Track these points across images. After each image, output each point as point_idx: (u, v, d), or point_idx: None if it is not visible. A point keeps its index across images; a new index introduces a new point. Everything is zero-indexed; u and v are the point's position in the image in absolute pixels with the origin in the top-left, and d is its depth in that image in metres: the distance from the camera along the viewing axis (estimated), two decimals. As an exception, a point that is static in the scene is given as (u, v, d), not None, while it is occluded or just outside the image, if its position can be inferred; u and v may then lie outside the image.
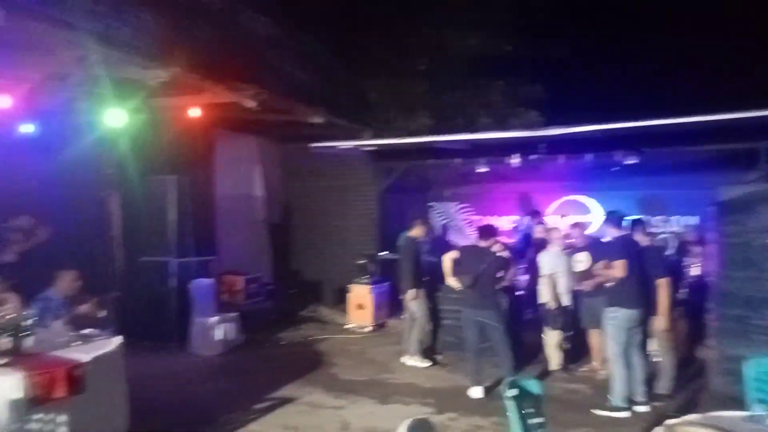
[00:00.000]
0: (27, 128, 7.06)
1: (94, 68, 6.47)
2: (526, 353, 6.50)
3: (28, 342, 3.82)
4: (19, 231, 6.67)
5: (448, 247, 7.07)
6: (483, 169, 8.47)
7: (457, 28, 10.26)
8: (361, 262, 8.64)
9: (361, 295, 8.42)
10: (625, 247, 5.08)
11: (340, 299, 9.15)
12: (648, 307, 5.04)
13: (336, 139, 8.88)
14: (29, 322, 3.93)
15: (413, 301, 6.62)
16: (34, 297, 4.93)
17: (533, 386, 3.01)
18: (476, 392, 5.48)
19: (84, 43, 5.61)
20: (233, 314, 7.33)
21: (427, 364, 6.53)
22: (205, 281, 7.36)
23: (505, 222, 9.53)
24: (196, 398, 5.46)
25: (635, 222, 5.68)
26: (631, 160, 7.44)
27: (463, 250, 5.95)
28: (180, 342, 7.03)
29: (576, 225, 6.56)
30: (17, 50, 5.96)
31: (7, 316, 4.02)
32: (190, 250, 7.40)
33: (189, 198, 7.52)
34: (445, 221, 10.19)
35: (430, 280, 6.86)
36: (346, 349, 7.33)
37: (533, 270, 6.71)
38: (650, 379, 5.21)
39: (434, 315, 6.96)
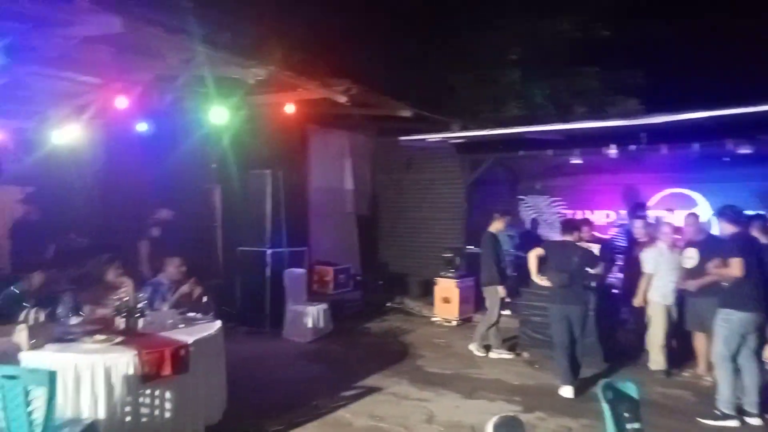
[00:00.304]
0: (141, 127, 7.72)
1: (199, 69, 6.92)
2: (624, 354, 6.17)
3: (140, 323, 4.18)
4: (160, 223, 7.35)
5: (537, 242, 6.86)
6: (577, 161, 8.09)
7: (551, 14, 9.86)
8: (448, 255, 8.59)
9: (447, 289, 8.38)
10: (743, 245, 4.68)
11: (426, 292, 9.17)
12: (767, 311, 4.62)
13: (424, 132, 8.86)
14: (141, 304, 4.29)
15: (490, 295, 6.59)
16: (145, 282, 5.40)
17: (630, 389, 2.85)
18: (566, 392, 5.29)
19: (191, 46, 6.02)
20: (323, 303, 7.56)
21: (509, 355, 6.51)
22: (298, 271, 7.65)
23: (600, 216, 9.06)
24: (287, 381, 5.68)
25: (754, 217, 5.24)
26: (744, 150, 6.81)
27: (551, 245, 5.77)
28: (274, 328, 7.37)
29: (690, 217, 6.13)
30: (132, 54, 6.50)
31: (123, 299, 4.43)
32: (283, 241, 7.74)
33: (283, 191, 7.86)
34: (535, 215, 9.87)
35: (516, 275, 6.71)
36: (431, 342, 7.34)
37: (633, 267, 6.36)
38: (765, 390, 4.77)
39: (519, 311, 6.80)
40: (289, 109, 7.22)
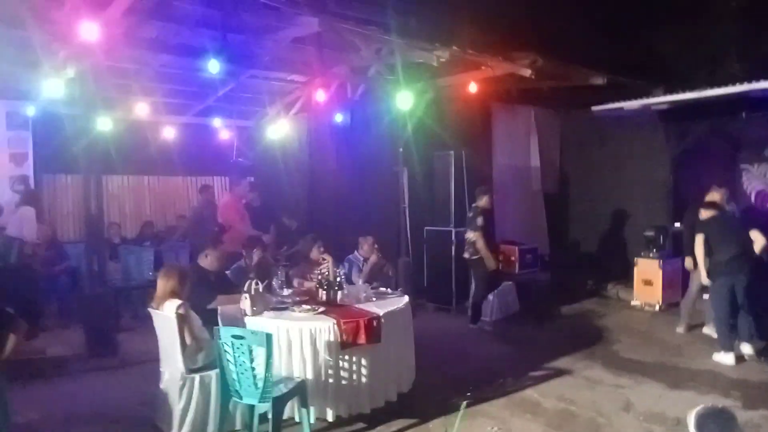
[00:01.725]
0: (338, 118, 8.41)
1: (388, 57, 7.27)
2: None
3: (339, 295, 4.59)
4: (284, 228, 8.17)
5: (763, 217, 5.90)
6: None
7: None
8: (649, 234, 7.81)
9: (649, 271, 7.64)
10: None
11: (623, 274, 8.48)
12: None
13: (620, 100, 8.11)
14: (339, 278, 4.72)
15: (693, 273, 6.06)
16: (343, 258, 5.91)
17: None
18: (728, 359, 4.91)
19: (381, 36, 6.34)
20: (509, 283, 7.48)
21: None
22: (483, 250, 7.66)
23: None
24: (473, 358, 5.74)
25: None
26: None
27: (713, 220, 5.32)
28: (460, 305, 7.50)
29: None
30: (331, 50, 7.08)
31: (324, 274, 4.91)
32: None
33: (467, 171, 7.90)
34: (762, 186, 8.41)
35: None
36: (629, 327, 6.79)
37: None
38: None
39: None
40: (473, 88, 7.18)
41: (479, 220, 6.51)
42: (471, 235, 6.57)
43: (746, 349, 5.53)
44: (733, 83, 7.00)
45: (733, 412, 2.30)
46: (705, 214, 5.71)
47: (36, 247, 6.72)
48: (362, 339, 4.03)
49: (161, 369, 4.04)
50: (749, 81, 6.82)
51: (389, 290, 5.20)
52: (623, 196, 9.25)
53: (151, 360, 4.30)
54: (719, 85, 7.12)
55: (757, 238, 5.42)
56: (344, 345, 3.99)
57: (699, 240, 5.62)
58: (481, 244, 6.48)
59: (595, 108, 8.46)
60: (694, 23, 8.97)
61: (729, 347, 5.43)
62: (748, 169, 8.56)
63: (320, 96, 7.51)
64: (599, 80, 7.53)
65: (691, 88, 7.51)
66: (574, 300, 8.20)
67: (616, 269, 8.85)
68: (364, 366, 4.08)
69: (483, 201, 6.64)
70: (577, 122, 9.80)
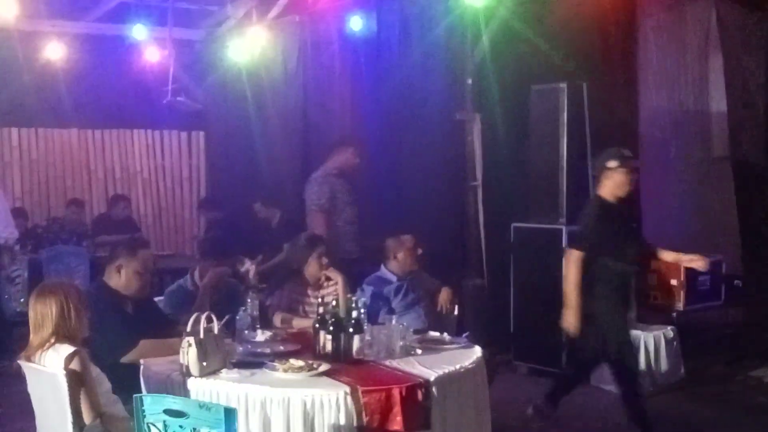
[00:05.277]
0: (356, 23, 8.46)
1: None
2: None
3: (355, 342, 4.61)
4: None
5: None
6: None
7: None
8: None
9: None
10: None
11: None
12: None
13: None
14: (358, 312, 4.73)
15: None
16: (361, 279, 5.95)
17: None
18: None
19: None
20: (667, 327, 7.47)
21: None
22: (618, 267, 7.60)
23: None
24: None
25: None
26: None
27: None
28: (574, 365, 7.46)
29: None
30: None
31: (329, 304, 4.92)
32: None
33: (592, 121, 7.85)
34: None
35: None
36: None
37: None
38: None
39: None
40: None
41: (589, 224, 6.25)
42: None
43: None
44: None
45: None
46: None
47: None
48: (397, 423, 4.05)
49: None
50: None
51: (447, 336, 5.21)
52: None
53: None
54: None
55: None
56: (365, 431, 4.02)
57: None
58: (571, 272, 6.23)
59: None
60: None
61: None
62: None
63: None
64: None
65: None
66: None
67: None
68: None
69: (610, 181, 6.28)
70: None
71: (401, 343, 4.74)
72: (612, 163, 6.07)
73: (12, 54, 9.04)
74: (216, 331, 4.41)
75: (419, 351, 4.72)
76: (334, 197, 7.25)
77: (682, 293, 8.09)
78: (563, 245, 7.47)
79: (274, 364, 4.39)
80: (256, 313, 5.08)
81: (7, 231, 7.04)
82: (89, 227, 9.44)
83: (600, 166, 6.21)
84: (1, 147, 9.90)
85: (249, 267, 7.16)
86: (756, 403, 7.10)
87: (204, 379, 4.22)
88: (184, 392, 4.18)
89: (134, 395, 3.71)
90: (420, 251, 6.27)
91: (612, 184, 6.10)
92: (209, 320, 4.38)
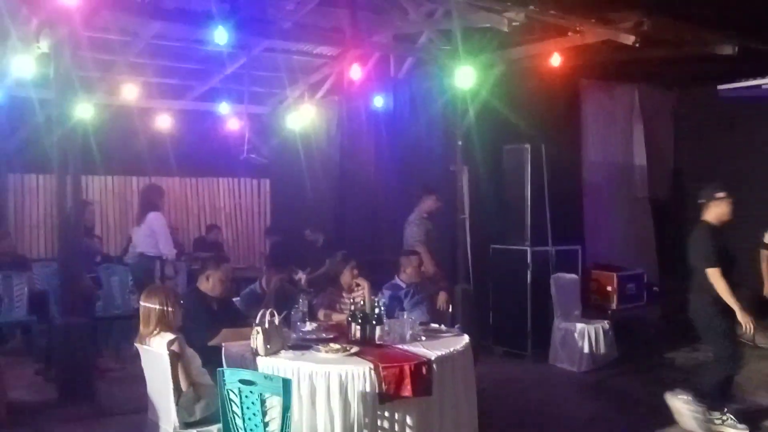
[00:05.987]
0: (378, 101, 8.53)
1: (443, 22, 7.31)
2: None
3: (377, 331, 4.61)
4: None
5: None
6: None
7: None
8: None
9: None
10: None
11: (763, 310, 8.19)
12: None
13: (756, 75, 7.91)
14: (379, 310, 4.74)
15: None
16: (382, 284, 5.94)
17: None
18: None
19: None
20: (604, 321, 7.36)
21: None
22: (569, 277, 7.54)
23: None
24: (557, 419, 5.69)
25: None
26: None
27: None
28: (537, 349, 7.41)
29: None
30: (369, 12, 7.18)
31: (358, 304, 4.94)
32: (549, 237, 7.68)
33: (548, 170, 7.80)
34: None
35: None
36: (771, 383, 6.58)
37: None
38: None
39: None
40: (555, 60, 7.13)
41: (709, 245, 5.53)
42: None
43: None
44: None
45: None
46: None
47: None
48: (407, 390, 4.02)
49: (150, 418, 4.15)
50: None
51: (443, 327, 5.20)
52: (762, 203, 8.95)
53: (137, 410, 4.40)
54: None
55: None
56: (384, 397, 3.99)
57: None
58: (721, 285, 5.54)
59: (722, 87, 8.29)
60: None
61: None
62: None
63: (355, 73, 7.60)
64: (728, 49, 7.35)
65: None
66: (695, 344, 7.96)
67: (754, 305, 8.55)
68: (410, 426, 4.07)
69: (717, 209, 5.57)
70: (696, 105, 9.66)
71: (410, 332, 4.73)
72: (720, 194, 5.50)
73: (133, 123, 9.18)
74: (277, 322, 4.41)
75: (423, 338, 4.70)
76: (428, 234, 7.25)
77: (615, 296, 8.08)
78: (528, 261, 7.52)
79: (319, 347, 4.40)
80: (305, 309, 5.08)
81: (167, 249, 7.15)
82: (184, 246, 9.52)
83: (708, 196, 5.56)
84: (126, 190, 10.04)
85: (301, 276, 7.22)
86: (670, 377, 7.00)
87: (268, 357, 4.22)
88: (254, 367, 4.18)
89: (218, 369, 3.71)
90: (423, 268, 6.29)
91: (719, 211, 5.55)
92: (272, 315, 4.39)
